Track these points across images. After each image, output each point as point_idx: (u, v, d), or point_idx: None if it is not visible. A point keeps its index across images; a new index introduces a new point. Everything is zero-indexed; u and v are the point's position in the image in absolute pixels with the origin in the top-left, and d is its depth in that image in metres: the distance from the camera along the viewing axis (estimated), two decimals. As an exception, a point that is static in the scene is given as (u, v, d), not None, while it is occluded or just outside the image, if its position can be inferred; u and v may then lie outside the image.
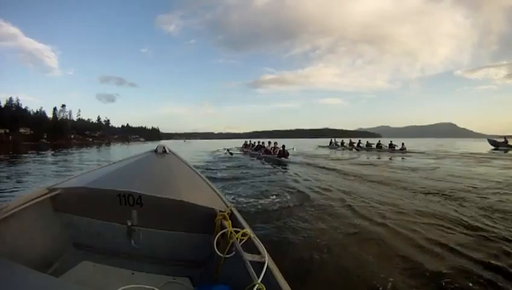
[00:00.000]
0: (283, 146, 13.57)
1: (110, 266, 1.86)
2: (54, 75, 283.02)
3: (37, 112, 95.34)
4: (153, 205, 1.84)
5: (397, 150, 20.56)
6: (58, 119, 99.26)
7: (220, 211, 1.75)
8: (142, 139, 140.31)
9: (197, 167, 3.80)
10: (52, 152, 23.92)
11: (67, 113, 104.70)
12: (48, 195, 1.91)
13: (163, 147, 2.53)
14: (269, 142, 15.68)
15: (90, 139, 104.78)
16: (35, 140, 76.03)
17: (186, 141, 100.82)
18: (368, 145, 24.26)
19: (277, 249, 2.74)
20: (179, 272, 1.87)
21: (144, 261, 1.92)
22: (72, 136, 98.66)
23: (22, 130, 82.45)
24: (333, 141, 28.58)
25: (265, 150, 14.85)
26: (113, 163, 2.51)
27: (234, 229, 1.50)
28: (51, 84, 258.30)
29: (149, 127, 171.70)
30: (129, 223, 1.88)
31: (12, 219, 1.62)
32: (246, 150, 18.03)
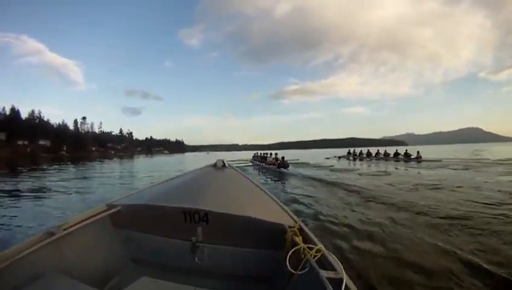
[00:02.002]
0: (282, 157, 13.60)
1: (171, 282, 1.78)
2: (79, 89, 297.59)
3: (59, 124, 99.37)
4: (220, 222, 1.82)
5: (413, 158, 19.19)
6: (80, 131, 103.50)
7: (290, 227, 1.68)
8: (166, 151, 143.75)
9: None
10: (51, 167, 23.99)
11: (88, 126, 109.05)
12: (108, 212, 1.96)
13: (223, 161, 2.53)
14: (270, 154, 16.38)
15: (112, 152, 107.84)
16: (54, 152, 79.05)
17: (210, 153, 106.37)
18: (386, 154, 22.86)
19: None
20: (244, 288, 1.85)
21: (208, 277, 1.88)
22: (94, 149, 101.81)
23: (41, 142, 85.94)
24: (351, 151, 27.61)
25: (267, 162, 15.25)
26: (173, 178, 2.51)
27: (307, 245, 1.45)
28: (76, 98, 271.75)
29: (173, 139, 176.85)
30: (193, 240, 1.82)
31: (72, 235, 1.66)
32: (254, 161, 18.35)
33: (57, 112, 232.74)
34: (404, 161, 19.19)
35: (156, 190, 2.28)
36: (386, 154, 22.74)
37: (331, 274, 1.21)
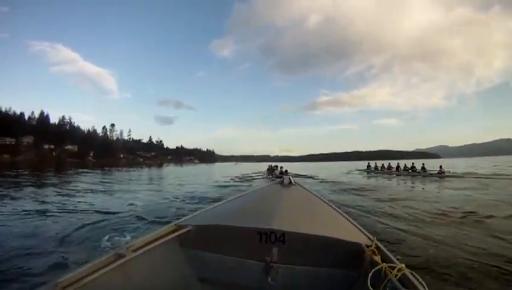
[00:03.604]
0: (286, 171, 14.36)
1: None
2: (112, 98, 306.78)
3: (88, 130, 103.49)
4: (296, 242, 1.79)
5: (435, 174, 17.80)
6: (109, 138, 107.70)
7: (367, 246, 1.67)
8: (196, 161, 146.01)
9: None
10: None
11: (117, 133, 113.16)
12: (178, 232, 1.94)
13: (290, 179, 2.51)
14: (277, 166, 17.27)
15: (141, 159, 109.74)
16: (80, 157, 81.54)
17: (238, 163, 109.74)
18: (405, 168, 21.34)
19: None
20: None
21: None
22: (122, 156, 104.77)
23: (68, 147, 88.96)
24: (370, 164, 26.03)
25: (275, 174, 15.54)
26: (240, 196, 2.56)
27: (388, 264, 1.41)
28: (109, 105, 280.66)
29: (204, 149, 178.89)
30: (268, 260, 1.79)
31: (141, 257, 1.64)
32: (266, 173, 18.34)
33: (90, 119, 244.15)
34: (424, 176, 17.91)
35: (225, 209, 2.29)
36: (406, 169, 21.30)
37: None
